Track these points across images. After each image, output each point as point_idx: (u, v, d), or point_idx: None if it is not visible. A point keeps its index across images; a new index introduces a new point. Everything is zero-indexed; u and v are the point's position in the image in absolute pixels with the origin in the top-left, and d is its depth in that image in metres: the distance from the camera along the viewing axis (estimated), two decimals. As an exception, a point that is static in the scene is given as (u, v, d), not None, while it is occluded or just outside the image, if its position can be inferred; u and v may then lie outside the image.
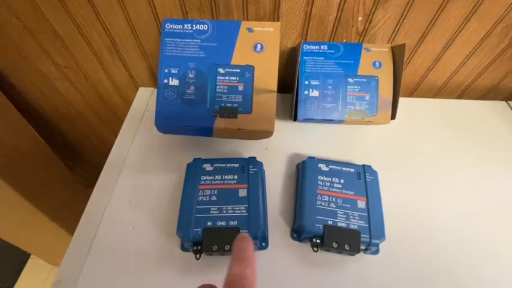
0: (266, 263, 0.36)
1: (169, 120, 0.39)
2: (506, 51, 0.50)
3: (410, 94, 0.59)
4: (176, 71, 0.39)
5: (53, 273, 1.03)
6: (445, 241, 0.39)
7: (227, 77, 0.39)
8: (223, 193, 0.37)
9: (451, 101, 0.57)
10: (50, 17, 0.48)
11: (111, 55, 0.54)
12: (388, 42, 0.47)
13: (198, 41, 0.40)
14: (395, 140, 0.49)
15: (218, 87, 0.39)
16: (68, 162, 0.84)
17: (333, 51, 0.43)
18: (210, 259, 0.36)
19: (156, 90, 0.43)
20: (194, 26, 0.40)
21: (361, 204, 0.38)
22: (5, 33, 0.51)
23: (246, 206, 0.36)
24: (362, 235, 0.35)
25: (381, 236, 0.35)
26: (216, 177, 0.38)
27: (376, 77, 0.43)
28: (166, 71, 0.39)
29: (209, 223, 0.34)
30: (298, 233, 0.38)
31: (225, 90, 0.39)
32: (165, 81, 0.39)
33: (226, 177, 0.38)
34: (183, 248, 0.37)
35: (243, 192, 0.37)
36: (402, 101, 0.51)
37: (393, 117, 0.43)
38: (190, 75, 0.39)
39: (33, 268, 1.03)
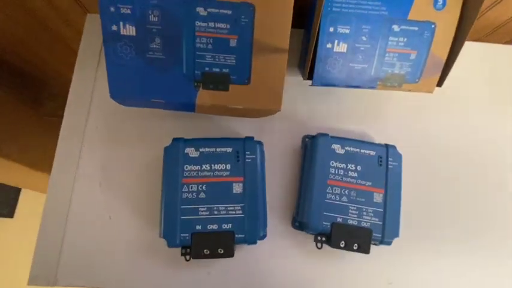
0: (265, 254, 0.33)
1: (130, 93, 0.27)
2: None
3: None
4: (129, 11, 0.24)
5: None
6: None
7: (211, 23, 0.25)
8: (214, 188, 0.30)
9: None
10: None
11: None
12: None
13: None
14: (433, 109, 0.39)
15: (198, 40, 0.25)
16: (24, 97, 0.70)
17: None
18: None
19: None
20: None
21: (378, 197, 0.32)
22: None
23: (242, 205, 0.29)
24: (374, 234, 0.31)
25: (395, 234, 0.31)
26: (204, 167, 0.30)
27: (434, 23, 0.29)
28: (112, 9, 0.24)
29: (198, 227, 0.29)
30: (301, 224, 0.34)
31: (209, 46, 0.26)
32: (114, 27, 0.25)
33: (216, 167, 0.30)
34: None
35: (238, 188, 0.30)
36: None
37: (440, 83, 0.32)
38: (152, 17, 0.25)
39: (29, 195, 1.04)
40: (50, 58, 0.60)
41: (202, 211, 0.29)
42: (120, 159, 0.35)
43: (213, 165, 0.30)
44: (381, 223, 0.31)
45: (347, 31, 0.29)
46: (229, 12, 0.25)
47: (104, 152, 0.35)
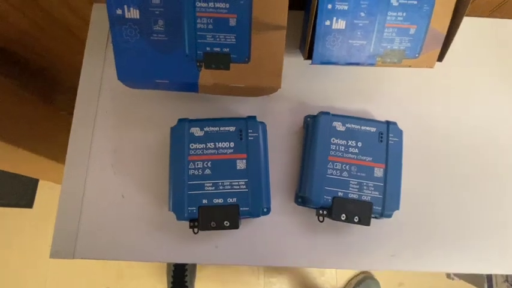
0: (268, 230, 0.35)
1: (136, 74, 0.28)
2: None
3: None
4: (132, -6, 0.26)
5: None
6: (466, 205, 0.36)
7: (211, 3, 0.26)
8: (218, 165, 0.31)
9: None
10: None
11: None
12: None
13: None
14: (433, 85, 0.39)
15: (199, 20, 0.26)
16: (38, 91, 0.73)
17: (376, -51, 0.27)
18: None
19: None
20: None
21: (378, 172, 0.33)
22: None
23: (246, 180, 0.31)
24: (374, 207, 0.32)
25: (395, 207, 0.32)
26: (208, 145, 0.31)
27: (433, -5, 0.29)
28: (116, -7, 0.26)
29: (204, 201, 0.30)
30: (303, 199, 0.35)
31: (210, 26, 0.27)
32: (118, 11, 0.26)
33: (220, 145, 0.31)
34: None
35: (241, 164, 0.31)
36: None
37: (440, 58, 0.32)
38: (155, 0, 0.26)
39: (47, 185, 1.09)
40: (59, 50, 0.62)
41: (208, 186, 0.31)
42: (129, 141, 0.37)
43: (217, 143, 0.31)
44: (381, 196, 0.32)
45: (345, 7, 0.29)
46: (228, -9, 0.25)
47: (114, 135, 0.37)
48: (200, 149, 0.31)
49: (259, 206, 0.31)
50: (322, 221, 0.33)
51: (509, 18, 0.42)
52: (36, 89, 0.72)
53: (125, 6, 0.26)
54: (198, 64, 0.28)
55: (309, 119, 0.36)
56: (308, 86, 0.39)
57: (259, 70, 0.28)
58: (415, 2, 0.29)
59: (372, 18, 0.30)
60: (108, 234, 0.34)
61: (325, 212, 0.33)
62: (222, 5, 0.26)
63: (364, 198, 0.32)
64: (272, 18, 0.26)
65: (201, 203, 0.30)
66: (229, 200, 0.30)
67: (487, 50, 0.40)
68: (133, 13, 0.26)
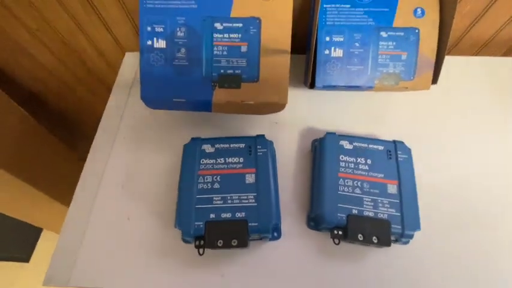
0: (279, 255, 0.32)
1: (158, 94, 0.32)
2: None
3: (448, 52, 0.49)
4: (162, 29, 0.31)
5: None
6: (487, 227, 0.33)
7: (226, 35, 0.31)
8: (227, 179, 0.31)
9: (497, 59, 0.47)
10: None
11: (87, 13, 0.45)
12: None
13: (187, -14, 0.30)
14: (433, 108, 0.41)
15: (216, 48, 0.31)
16: (64, 137, 0.79)
17: (362, -4, 0.33)
18: (212, 250, 0.32)
19: (141, 55, 0.35)
20: (181, -34, 0.30)
21: (392, 188, 0.32)
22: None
23: (255, 194, 0.30)
24: (393, 225, 0.30)
25: (416, 226, 0.30)
26: (218, 160, 0.32)
27: (417, 28, 0.33)
28: (149, 29, 0.31)
29: (212, 215, 0.29)
30: (316, 221, 0.33)
31: (225, 53, 0.31)
32: (149, 42, 0.31)
33: (230, 160, 0.32)
34: (185, 240, 0.33)
35: (250, 178, 0.31)
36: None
37: (435, 81, 0.34)
38: (179, 33, 0.31)
39: (49, 238, 1.05)
40: (90, 100, 0.70)
41: (216, 200, 0.30)
42: (141, 165, 0.38)
43: (227, 158, 0.32)
44: (398, 214, 0.30)
45: (341, 39, 0.34)
46: (240, 25, 0.31)
47: (128, 159, 0.39)
48: (210, 164, 0.32)
49: (268, 221, 0.29)
50: (338, 243, 0.31)
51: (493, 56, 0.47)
52: (63, 135, 0.78)
53: (154, 39, 0.31)
54: (212, 84, 0.31)
55: (316, 142, 0.38)
56: (314, 113, 0.41)
57: (267, 88, 0.31)
58: (402, 34, 0.33)
59: (366, 47, 0.34)
60: (107, 261, 0.32)
61: (340, 233, 0.30)
62: (235, 35, 0.31)
63: (380, 216, 0.30)
64: (278, 44, 0.30)
65: (208, 218, 0.29)
66: (238, 215, 0.29)
67: (479, 83, 0.43)
68: (160, 44, 0.31)
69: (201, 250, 0.30)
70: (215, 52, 0.31)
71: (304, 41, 0.40)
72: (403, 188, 0.32)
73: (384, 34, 0.34)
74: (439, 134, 0.39)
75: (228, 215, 0.29)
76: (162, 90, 0.32)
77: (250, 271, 0.31)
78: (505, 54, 0.51)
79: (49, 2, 0.43)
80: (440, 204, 0.34)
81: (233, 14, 0.30)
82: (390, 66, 0.34)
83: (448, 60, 0.41)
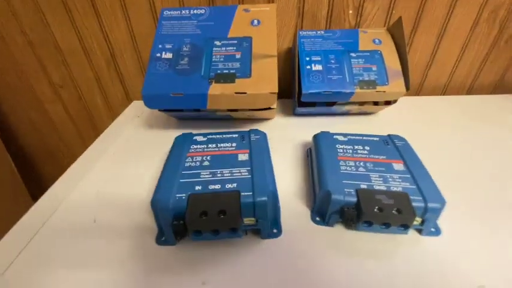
0: (279, 253, 0.25)
1: (157, 90, 0.34)
2: (498, 39, 0.50)
3: (417, 93, 0.57)
4: (170, 46, 0.38)
5: None
6: None
7: (224, 48, 0.37)
8: (219, 158, 0.28)
9: (460, 97, 0.53)
10: (54, 29, 0.50)
11: (109, 69, 0.54)
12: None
13: (195, 21, 0.40)
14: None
15: (214, 56, 0.37)
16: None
17: (330, 34, 0.43)
18: (193, 250, 0.25)
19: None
20: (192, 10, 0.40)
21: (399, 166, 0.29)
22: (9, 51, 0.53)
23: (249, 168, 0.27)
24: (412, 197, 0.25)
25: (439, 198, 0.25)
26: (210, 145, 0.31)
27: (379, 50, 0.41)
28: (160, 46, 0.38)
29: (198, 187, 0.25)
30: (321, 212, 0.28)
31: (222, 59, 0.36)
32: (158, 54, 0.37)
33: (222, 145, 0.31)
34: (159, 241, 0.26)
35: (243, 157, 0.29)
36: (409, 99, 0.48)
37: (407, 87, 0.39)
38: (185, 48, 0.37)
39: None
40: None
41: (204, 175, 0.26)
42: (125, 172, 0.35)
43: (219, 144, 0.31)
44: (414, 186, 0.26)
45: (319, 58, 0.41)
46: (235, 41, 0.37)
47: (113, 167, 0.36)
48: (201, 148, 0.30)
49: (265, 190, 0.24)
50: (351, 226, 0.25)
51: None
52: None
53: (163, 52, 0.37)
54: (209, 80, 0.35)
55: (310, 147, 0.37)
56: (301, 133, 0.42)
57: (259, 81, 0.34)
58: (368, 54, 0.41)
59: (341, 63, 0.40)
60: (59, 267, 0.24)
61: (353, 210, 0.25)
62: (231, 48, 0.37)
63: (394, 189, 0.26)
64: (266, 51, 0.36)
65: (193, 190, 0.25)
66: (228, 186, 0.25)
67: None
68: (168, 55, 0.37)
69: (178, 237, 0.23)
70: (214, 59, 0.36)
71: (289, 89, 0.47)
72: (411, 166, 0.29)
73: (353, 54, 0.41)
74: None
75: (217, 187, 0.25)
76: (161, 87, 0.34)
77: (241, 277, 0.23)
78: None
79: (79, 56, 0.53)
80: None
81: (230, 35, 0.38)
82: (365, 75, 0.39)
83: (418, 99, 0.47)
